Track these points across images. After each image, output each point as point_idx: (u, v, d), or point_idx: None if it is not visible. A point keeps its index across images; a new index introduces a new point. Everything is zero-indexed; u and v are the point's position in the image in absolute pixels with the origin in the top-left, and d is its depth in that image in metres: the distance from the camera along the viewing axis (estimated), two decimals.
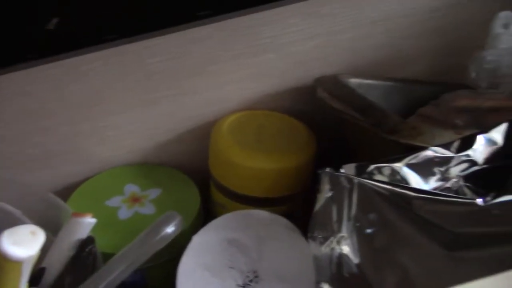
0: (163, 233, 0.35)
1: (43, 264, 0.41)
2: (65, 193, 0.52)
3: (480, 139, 0.36)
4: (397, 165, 0.36)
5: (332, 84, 0.50)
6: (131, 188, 0.52)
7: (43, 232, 0.31)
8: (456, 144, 0.36)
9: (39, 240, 0.30)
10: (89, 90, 0.50)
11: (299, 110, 0.56)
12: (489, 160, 0.36)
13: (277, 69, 0.54)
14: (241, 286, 0.38)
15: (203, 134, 0.54)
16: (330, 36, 0.54)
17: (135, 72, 0.51)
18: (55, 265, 0.41)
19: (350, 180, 0.36)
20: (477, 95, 0.48)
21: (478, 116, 0.45)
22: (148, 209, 0.50)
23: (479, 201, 0.32)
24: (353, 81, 0.52)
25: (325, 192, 0.37)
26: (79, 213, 0.42)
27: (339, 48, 0.55)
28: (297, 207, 0.50)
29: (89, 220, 0.42)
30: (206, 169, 0.53)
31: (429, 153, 0.36)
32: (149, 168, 0.55)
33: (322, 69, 0.55)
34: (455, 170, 0.36)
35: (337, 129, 0.52)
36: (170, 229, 0.35)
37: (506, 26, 0.49)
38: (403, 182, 0.36)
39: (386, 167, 0.36)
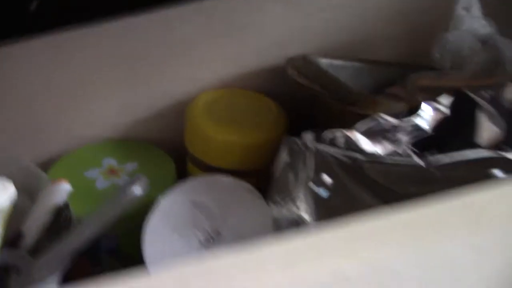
0: (129, 193, 0.37)
1: (22, 229, 0.43)
2: (44, 168, 0.54)
3: (428, 108, 0.38)
4: (351, 132, 0.39)
5: (302, 63, 0.53)
6: (109, 162, 0.54)
7: (13, 186, 0.33)
8: (405, 113, 0.38)
9: (8, 192, 0.33)
10: (69, 69, 0.52)
11: (272, 89, 0.57)
12: (435, 127, 0.38)
13: (252, 50, 0.56)
14: (203, 243, 0.41)
15: (182, 111, 0.56)
16: (305, 18, 0.56)
17: (114, 52, 0.53)
18: (34, 229, 0.43)
19: (306, 146, 0.38)
20: (440, 76, 0.50)
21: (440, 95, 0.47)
22: (124, 181, 0.52)
23: (422, 163, 0.35)
24: (324, 61, 0.54)
25: (284, 158, 0.39)
26: (56, 179, 0.44)
27: (313, 30, 0.57)
28: (266, 180, 0.52)
29: (65, 186, 0.44)
30: (184, 145, 0.55)
31: (380, 120, 0.38)
32: (127, 144, 0.57)
33: (296, 50, 0.57)
34: (404, 136, 0.38)
35: (307, 106, 0.54)
36: (136, 189, 0.37)
37: (467, 9, 0.51)
38: (356, 148, 0.38)
39: (341, 134, 0.39)
